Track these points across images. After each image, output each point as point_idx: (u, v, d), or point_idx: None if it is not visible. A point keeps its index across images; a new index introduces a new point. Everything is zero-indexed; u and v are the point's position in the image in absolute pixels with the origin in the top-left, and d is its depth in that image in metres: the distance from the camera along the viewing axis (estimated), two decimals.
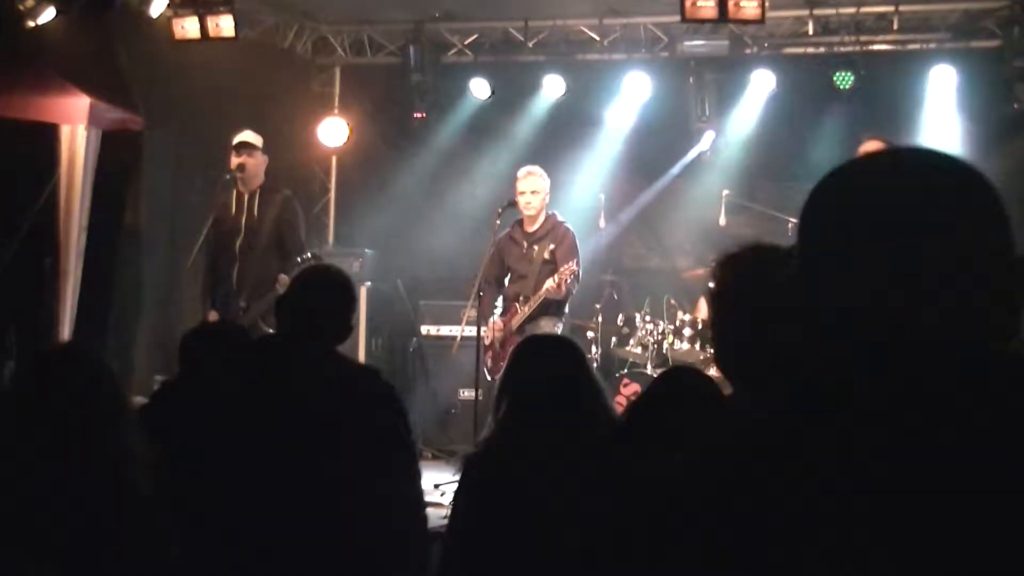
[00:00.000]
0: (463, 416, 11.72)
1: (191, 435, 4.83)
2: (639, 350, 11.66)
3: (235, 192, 10.03)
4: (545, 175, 10.44)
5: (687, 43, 12.86)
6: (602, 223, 12.72)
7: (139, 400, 7.02)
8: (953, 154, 1.81)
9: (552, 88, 13.54)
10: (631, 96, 13.53)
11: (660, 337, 11.59)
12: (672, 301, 11.91)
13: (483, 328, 10.36)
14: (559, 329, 10.23)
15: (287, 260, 9.78)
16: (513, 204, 10.42)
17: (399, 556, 4.77)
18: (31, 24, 10.75)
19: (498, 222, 10.53)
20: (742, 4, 10.62)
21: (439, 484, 9.27)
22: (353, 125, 14.24)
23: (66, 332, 10.56)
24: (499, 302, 10.66)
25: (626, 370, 11.63)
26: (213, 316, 9.68)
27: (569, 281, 9.88)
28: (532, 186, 10.32)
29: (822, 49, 13.17)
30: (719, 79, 13.37)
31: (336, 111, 14.56)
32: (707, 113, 13.40)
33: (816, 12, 12.72)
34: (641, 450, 3.86)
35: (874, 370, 1.66)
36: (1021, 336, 1.70)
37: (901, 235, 1.67)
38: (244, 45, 12.52)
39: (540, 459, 4.42)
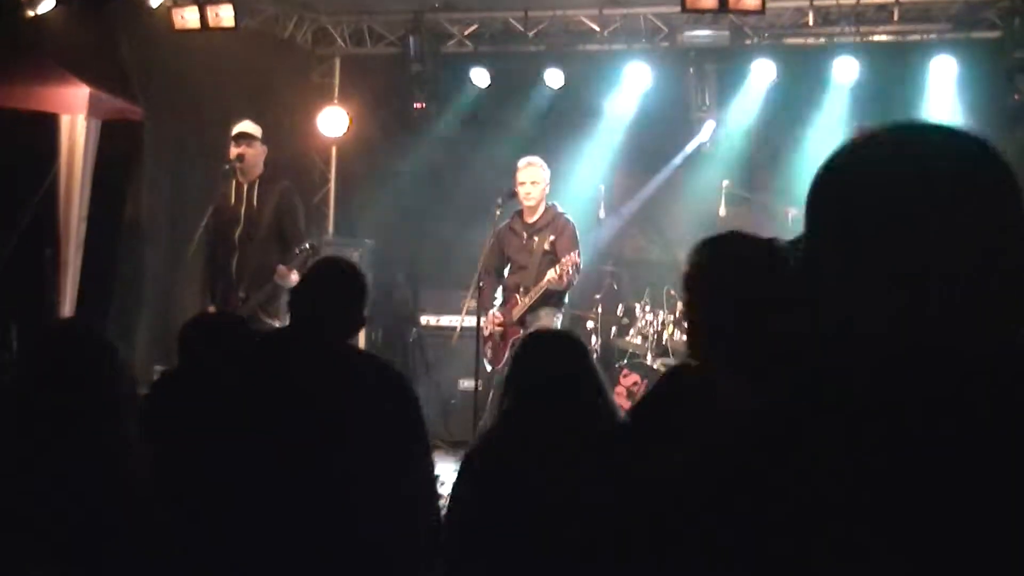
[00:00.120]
0: (463, 406, 11.72)
1: (194, 427, 4.82)
2: (639, 340, 11.67)
3: (234, 182, 10.01)
4: (545, 166, 10.42)
5: (687, 33, 12.84)
6: (602, 214, 12.70)
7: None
8: (959, 128, 1.78)
9: (552, 79, 13.53)
10: (631, 87, 13.53)
11: (660, 327, 11.60)
12: (672, 292, 11.91)
13: (483, 319, 10.35)
14: (559, 320, 10.22)
15: (286, 250, 9.77)
16: (513, 195, 10.40)
17: (412, 550, 4.76)
18: (31, 14, 10.74)
19: (498, 212, 10.52)
20: None
21: (438, 475, 9.26)
22: (353, 115, 14.24)
23: None
24: (499, 293, 10.65)
25: (626, 360, 11.64)
26: (212, 308, 9.68)
27: (571, 272, 9.87)
28: (532, 177, 10.30)
29: (822, 40, 13.16)
30: (719, 69, 13.36)
31: (336, 101, 14.55)
32: (707, 104, 13.40)
33: (816, 3, 12.70)
34: (643, 449, 3.86)
35: (877, 363, 1.65)
36: None
37: (903, 223, 1.65)
38: (244, 35, 12.51)
39: (541, 454, 4.42)
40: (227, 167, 9.99)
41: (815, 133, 12.66)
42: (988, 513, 1.52)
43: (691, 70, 13.36)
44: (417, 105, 13.91)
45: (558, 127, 13.72)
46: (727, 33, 12.71)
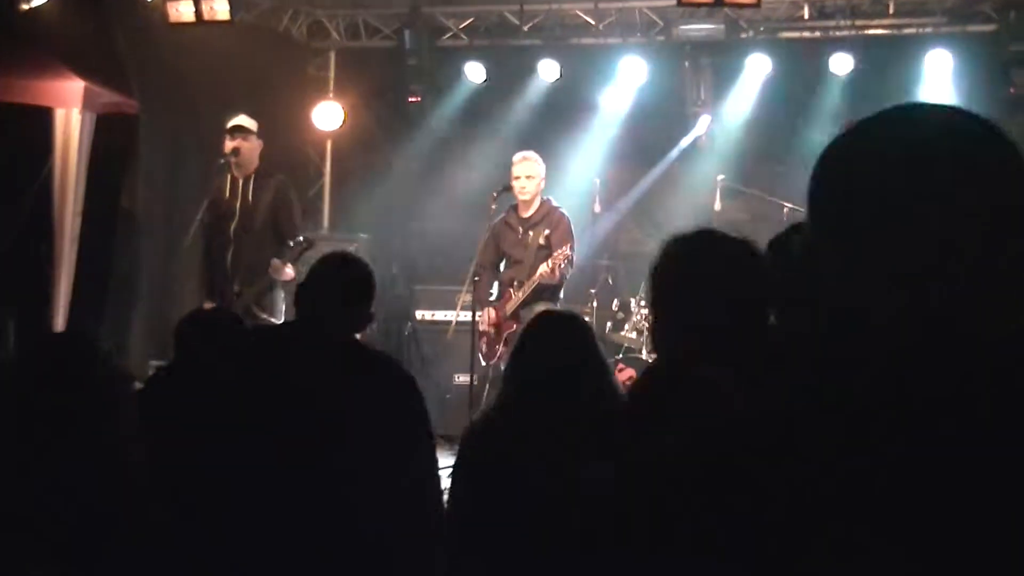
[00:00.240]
0: (458, 401, 11.71)
1: (192, 423, 4.81)
2: (634, 335, 11.66)
3: (230, 177, 10.00)
4: (540, 160, 10.41)
5: (683, 27, 12.85)
6: (597, 208, 12.71)
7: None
8: (959, 109, 1.76)
9: (547, 72, 13.53)
10: (626, 80, 13.53)
11: None
12: None
13: (478, 313, 10.35)
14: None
15: (281, 245, 9.76)
16: (508, 189, 10.39)
17: (416, 546, 4.75)
18: (25, 7, 10.73)
19: (493, 207, 10.51)
20: None
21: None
22: (348, 109, 14.23)
23: (61, 318, 10.54)
24: (494, 287, 10.65)
25: (621, 355, 11.63)
26: (208, 304, 9.67)
27: (563, 266, 9.86)
28: (527, 171, 10.29)
29: (818, 33, 13.17)
30: (715, 63, 13.36)
31: (331, 95, 14.56)
32: (703, 97, 13.40)
33: None
34: (641, 431, 3.85)
35: (877, 361, 1.64)
36: None
37: (901, 216, 1.63)
38: (239, 28, 12.51)
39: (542, 437, 4.41)
40: (222, 161, 9.98)
41: (811, 127, 12.64)
42: (990, 512, 1.51)
43: (686, 64, 13.36)
44: (412, 99, 13.91)
45: (553, 121, 13.71)
46: (722, 27, 12.71)
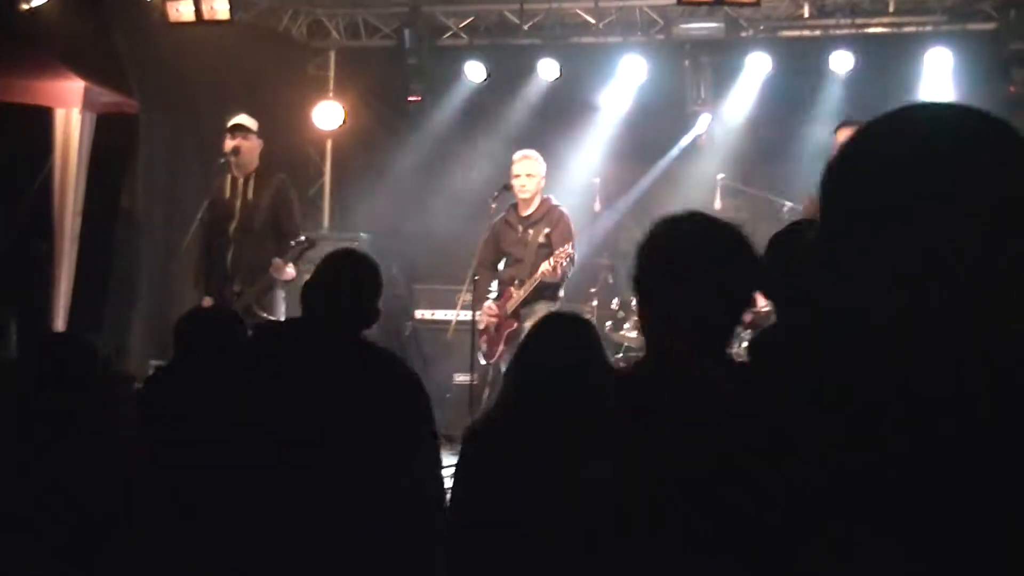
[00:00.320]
0: (458, 400, 11.71)
1: (193, 422, 4.81)
2: (634, 334, 11.66)
3: (230, 176, 9.99)
4: (540, 159, 10.40)
5: (683, 26, 12.85)
6: (597, 206, 12.72)
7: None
8: (965, 108, 1.75)
9: (547, 71, 13.53)
10: (627, 79, 13.53)
11: None
12: None
13: (478, 312, 10.34)
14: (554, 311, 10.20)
15: (281, 244, 9.76)
16: (508, 188, 10.38)
17: (419, 545, 4.75)
18: (26, 7, 10.74)
19: (494, 206, 10.50)
20: None
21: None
22: (348, 108, 14.24)
23: (61, 317, 10.55)
24: (494, 286, 10.64)
25: (621, 354, 11.63)
26: (208, 302, 9.64)
27: (564, 264, 9.85)
28: (527, 169, 10.28)
29: (818, 32, 13.17)
30: (715, 62, 13.36)
31: (331, 94, 14.56)
32: (703, 96, 13.40)
33: None
34: (639, 432, 3.85)
35: (878, 361, 1.64)
36: None
37: (902, 216, 1.62)
38: (239, 28, 12.51)
39: (544, 437, 4.41)
40: (222, 160, 9.97)
41: (811, 125, 12.64)
42: (990, 512, 1.50)
43: (687, 63, 13.36)
44: (412, 98, 13.92)
45: (554, 120, 13.70)
46: (722, 25, 12.71)
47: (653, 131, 13.85)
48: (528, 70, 13.69)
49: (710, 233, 3.38)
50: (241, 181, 9.97)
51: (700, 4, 11.57)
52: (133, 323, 12.19)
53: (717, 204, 12.03)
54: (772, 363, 4.15)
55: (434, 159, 14.34)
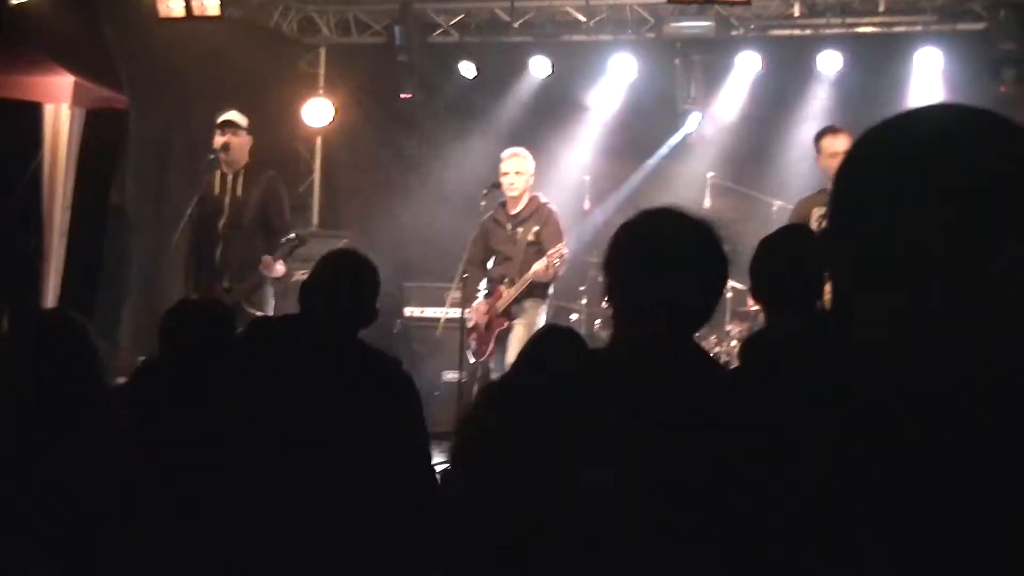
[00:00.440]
0: (447, 398, 11.71)
1: (186, 416, 4.81)
2: None
3: (219, 172, 9.98)
4: (529, 156, 10.39)
5: (673, 24, 12.84)
6: (587, 205, 12.73)
7: (121, 380, 6.99)
8: (978, 110, 1.71)
9: (538, 69, 13.54)
10: (617, 77, 13.55)
11: None
12: None
13: (467, 310, 10.34)
14: (544, 311, 10.20)
15: (271, 241, 9.75)
16: (498, 186, 10.38)
17: (409, 546, 4.74)
18: (15, 2, 10.71)
19: (483, 203, 10.50)
20: None
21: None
22: (338, 105, 14.24)
23: None
24: (484, 284, 10.63)
25: None
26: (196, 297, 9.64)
27: (558, 263, 9.86)
28: (516, 167, 10.27)
29: (808, 31, 13.18)
30: (705, 61, 13.37)
31: (321, 91, 14.56)
32: (693, 95, 13.41)
33: None
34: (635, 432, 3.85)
35: (877, 364, 1.63)
36: None
37: (904, 215, 1.61)
38: (229, 24, 12.49)
39: (537, 436, 4.41)
40: (212, 156, 9.96)
41: (801, 125, 12.65)
42: (989, 514, 1.50)
43: (677, 61, 13.37)
44: (403, 95, 13.91)
45: (544, 117, 13.71)
46: (713, 24, 12.70)
47: (643, 129, 13.87)
48: (519, 68, 13.71)
49: (682, 226, 3.38)
50: (231, 177, 9.96)
51: (691, 3, 11.57)
52: (122, 318, 12.17)
53: (707, 203, 12.05)
54: (766, 363, 4.15)
55: (424, 156, 14.36)
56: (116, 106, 11.40)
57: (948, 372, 1.57)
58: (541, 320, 9.96)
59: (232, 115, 10.03)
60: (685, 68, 13.36)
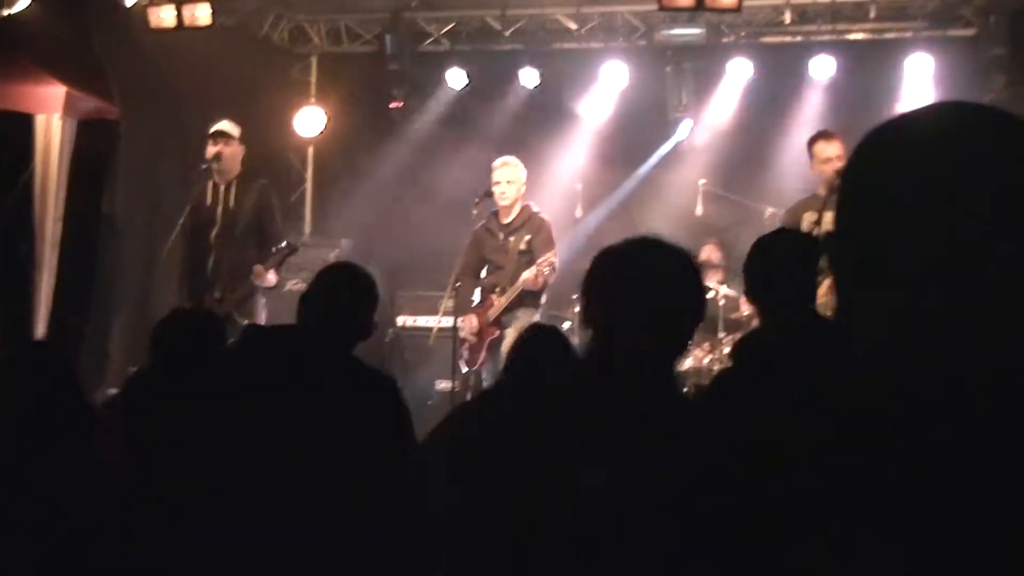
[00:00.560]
0: (439, 407, 11.70)
1: (173, 426, 4.80)
2: None
3: (211, 182, 9.98)
4: (520, 165, 10.40)
5: (664, 32, 12.86)
6: (579, 212, 12.73)
7: (112, 392, 7.00)
8: (981, 107, 1.69)
9: (529, 77, 13.54)
10: (608, 85, 13.56)
11: None
12: None
13: (460, 319, 10.34)
14: (536, 319, 10.19)
15: (263, 250, 9.74)
16: (490, 195, 10.38)
17: (395, 556, 4.73)
18: (5, 12, 10.69)
19: (475, 212, 10.50)
20: None
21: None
22: (330, 114, 14.24)
23: (42, 322, 10.52)
24: (476, 293, 10.63)
25: None
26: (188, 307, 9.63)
27: (547, 272, 9.86)
28: (507, 176, 10.28)
29: (799, 38, 13.20)
30: (696, 68, 13.38)
31: (313, 100, 14.56)
32: (684, 102, 13.43)
33: (793, 0, 12.74)
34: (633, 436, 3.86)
35: (877, 365, 1.62)
36: None
37: (903, 216, 1.60)
38: (221, 34, 12.48)
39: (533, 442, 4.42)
40: (204, 166, 9.96)
41: (792, 131, 12.66)
42: (989, 513, 1.50)
43: (668, 68, 13.38)
44: (394, 104, 13.92)
45: (536, 126, 13.71)
46: (704, 31, 12.72)
47: (635, 137, 13.88)
48: (510, 76, 13.71)
49: (660, 255, 3.40)
50: (223, 187, 9.96)
51: (682, 10, 11.57)
52: (114, 328, 12.15)
53: (699, 210, 12.06)
54: (759, 363, 4.15)
55: (416, 165, 14.34)
56: (107, 116, 11.38)
57: (947, 373, 1.56)
58: None
59: (224, 125, 10.03)
60: (676, 75, 13.37)
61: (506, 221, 10.35)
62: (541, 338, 5.34)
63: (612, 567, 2.96)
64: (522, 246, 10.16)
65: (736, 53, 13.08)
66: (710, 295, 10.86)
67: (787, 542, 1.60)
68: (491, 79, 13.93)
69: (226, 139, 9.96)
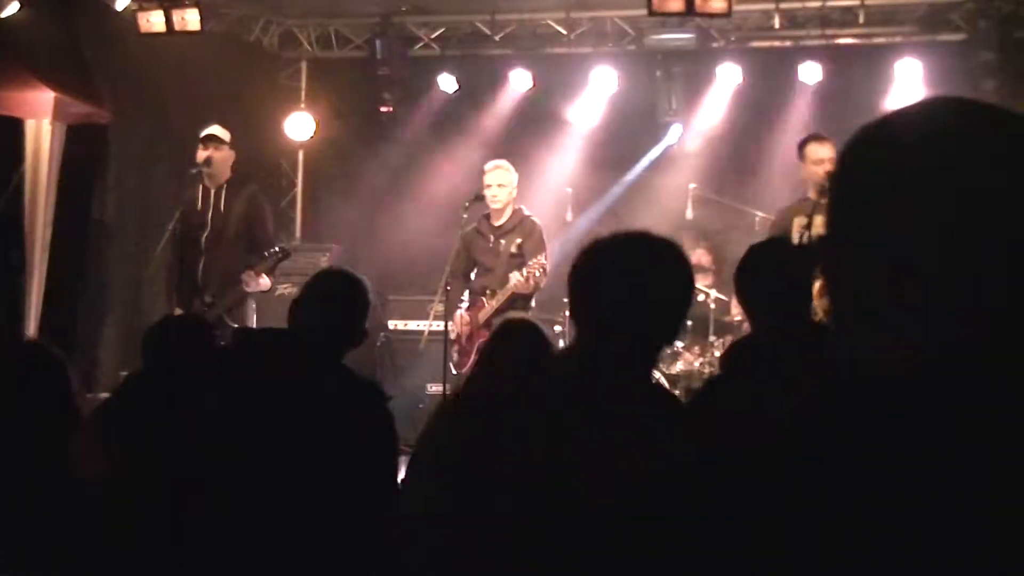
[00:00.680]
0: (430, 410, 11.69)
1: (163, 430, 4.80)
2: None
3: (202, 187, 9.98)
4: (512, 169, 10.42)
5: (654, 37, 12.87)
6: (570, 216, 12.74)
7: (104, 396, 6.99)
8: (973, 103, 1.68)
9: (519, 82, 13.55)
10: (598, 90, 13.56)
11: None
12: None
13: (450, 322, 10.35)
14: None
15: (254, 254, 9.74)
16: (480, 198, 10.40)
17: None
18: None
19: (465, 216, 10.52)
20: None
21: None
22: (320, 119, 14.24)
23: (32, 326, 10.50)
24: (466, 296, 10.65)
25: None
26: (178, 312, 9.62)
27: (538, 275, 9.87)
28: (498, 179, 10.30)
29: (788, 43, 13.22)
30: (686, 72, 13.39)
31: (303, 105, 14.56)
32: (674, 106, 13.43)
33: (783, 5, 12.76)
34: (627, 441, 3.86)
35: (872, 373, 1.61)
36: None
37: (890, 224, 1.59)
38: (210, 38, 12.49)
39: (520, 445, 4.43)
40: (194, 171, 9.96)
41: (781, 136, 12.67)
42: (987, 522, 1.49)
43: (658, 73, 13.39)
44: (384, 108, 13.92)
45: (526, 130, 13.72)
46: (693, 36, 12.74)
47: (625, 141, 13.89)
48: (500, 81, 13.72)
49: (648, 248, 3.41)
50: (213, 192, 9.95)
51: (671, 15, 11.58)
52: (104, 333, 12.14)
53: (689, 214, 12.07)
54: (749, 369, 4.15)
55: (406, 169, 14.34)
56: (97, 121, 11.37)
57: (945, 378, 1.55)
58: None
59: (215, 130, 10.03)
60: (666, 80, 13.38)
61: (498, 224, 10.37)
62: (516, 333, 5.31)
63: (595, 569, 2.96)
64: (513, 249, 10.18)
65: (726, 58, 13.08)
66: (700, 299, 10.88)
67: (775, 550, 1.60)
68: (481, 83, 13.94)
69: (217, 144, 9.95)
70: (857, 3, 12.60)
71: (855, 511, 1.53)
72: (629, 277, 3.34)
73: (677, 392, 9.90)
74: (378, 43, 13.68)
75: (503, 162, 10.46)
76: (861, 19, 12.77)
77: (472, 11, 13.76)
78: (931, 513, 1.50)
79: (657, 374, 10.08)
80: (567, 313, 11.85)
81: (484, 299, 10.30)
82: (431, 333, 11.21)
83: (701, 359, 11.05)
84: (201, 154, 9.92)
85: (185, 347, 5.67)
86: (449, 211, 11.36)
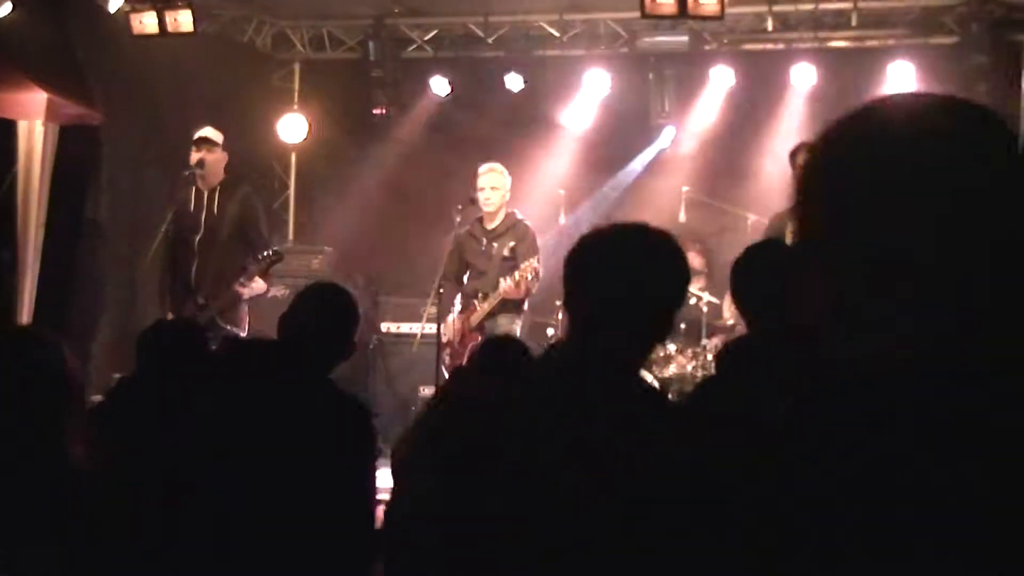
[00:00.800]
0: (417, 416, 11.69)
1: (153, 433, 4.80)
2: None
3: (194, 189, 9.97)
4: (505, 171, 10.42)
5: (647, 39, 12.86)
6: (562, 219, 12.74)
7: (96, 398, 6.98)
8: (959, 100, 1.67)
9: (512, 84, 13.54)
10: (591, 92, 13.55)
11: None
12: None
13: (443, 325, 10.34)
14: (519, 325, 10.20)
15: (248, 257, 9.73)
16: (473, 201, 10.40)
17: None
18: None
19: (458, 219, 10.52)
20: (701, 0, 10.62)
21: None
22: (313, 121, 14.23)
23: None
24: (458, 299, 10.64)
25: None
26: (171, 316, 9.61)
27: (530, 279, 9.86)
28: (491, 182, 10.30)
29: (781, 45, 13.22)
30: (679, 75, 13.39)
31: (296, 107, 14.54)
32: (667, 109, 13.43)
33: (775, 8, 12.76)
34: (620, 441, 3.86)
35: (863, 372, 1.61)
36: None
37: (874, 221, 1.59)
38: (203, 40, 12.47)
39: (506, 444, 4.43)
40: (187, 173, 9.95)
41: (775, 138, 12.69)
42: (984, 527, 1.48)
43: (651, 75, 13.39)
44: (377, 110, 13.91)
45: (518, 132, 13.70)
46: (686, 39, 12.73)
47: (618, 143, 13.89)
48: (493, 83, 13.71)
49: (644, 240, 3.41)
50: (206, 193, 9.94)
51: (664, 17, 11.58)
52: (97, 334, 12.12)
53: (682, 217, 12.07)
54: (743, 370, 4.15)
55: (399, 171, 14.32)
56: (89, 122, 11.37)
57: (940, 375, 1.55)
58: (515, 334, 9.95)
59: (207, 131, 10.02)
60: (659, 82, 13.38)
61: (490, 227, 10.36)
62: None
63: (586, 568, 2.96)
64: (506, 252, 10.18)
65: (718, 60, 13.08)
66: (692, 302, 10.87)
67: (769, 549, 1.60)
68: (474, 86, 13.94)
69: (209, 145, 9.95)
70: (850, 6, 12.61)
71: (848, 511, 1.52)
72: (627, 273, 3.33)
73: (669, 395, 9.88)
74: (371, 45, 13.68)
75: (496, 165, 10.46)
76: (854, 22, 12.78)
77: (465, 13, 13.76)
78: (923, 512, 1.49)
79: (649, 378, 10.08)
80: (560, 316, 11.86)
81: (476, 302, 10.30)
82: (423, 336, 11.20)
83: (693, 363, 11.04)
84: (194, 156, 9.92)
85: (178, 351, 5.67)
86: (442, 213, 11.35)
